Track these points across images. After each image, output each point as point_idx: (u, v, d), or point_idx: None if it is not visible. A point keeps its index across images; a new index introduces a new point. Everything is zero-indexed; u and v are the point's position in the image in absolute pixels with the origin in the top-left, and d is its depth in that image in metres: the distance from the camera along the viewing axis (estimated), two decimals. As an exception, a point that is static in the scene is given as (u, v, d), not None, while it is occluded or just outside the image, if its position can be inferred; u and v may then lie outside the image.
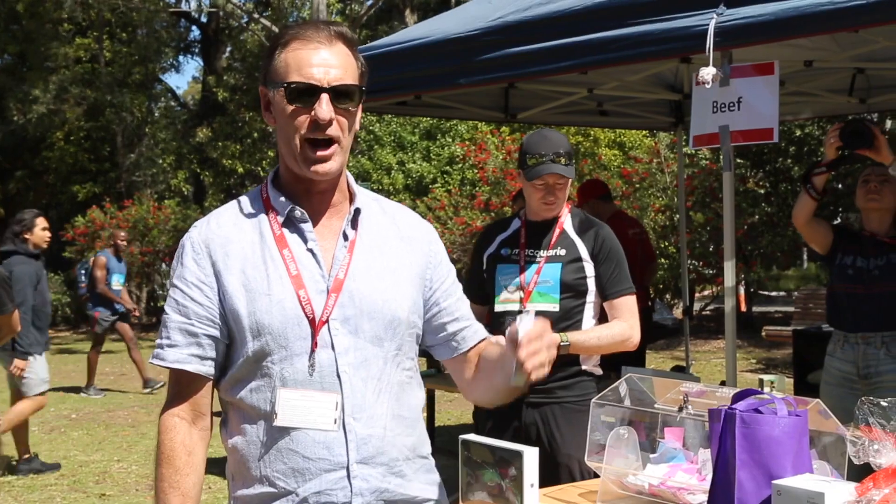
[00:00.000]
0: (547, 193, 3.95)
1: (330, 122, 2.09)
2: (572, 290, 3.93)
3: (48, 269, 24.16)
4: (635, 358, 7.64)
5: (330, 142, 2.11)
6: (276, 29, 20.62)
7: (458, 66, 5.43)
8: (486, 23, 5.30)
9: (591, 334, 3.90)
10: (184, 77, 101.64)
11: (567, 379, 3.94)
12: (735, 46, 4.30)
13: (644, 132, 17.97)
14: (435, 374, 7.00)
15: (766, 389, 3.81)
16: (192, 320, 2.17)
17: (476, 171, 18.59)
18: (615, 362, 3.99)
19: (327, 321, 2.12)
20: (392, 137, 22.12)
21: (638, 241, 7.96)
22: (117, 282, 12.58)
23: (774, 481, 2.30)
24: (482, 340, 2.37)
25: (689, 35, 4.34)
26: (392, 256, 2.23)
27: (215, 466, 8.35)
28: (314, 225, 2.19)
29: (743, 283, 16.40)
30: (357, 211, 2.22)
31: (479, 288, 4.15)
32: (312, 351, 2.11)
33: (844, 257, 4.82)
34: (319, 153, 2.11)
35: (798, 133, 14.83)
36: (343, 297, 2.13)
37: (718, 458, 2.41)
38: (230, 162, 25.39)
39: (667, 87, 7.82)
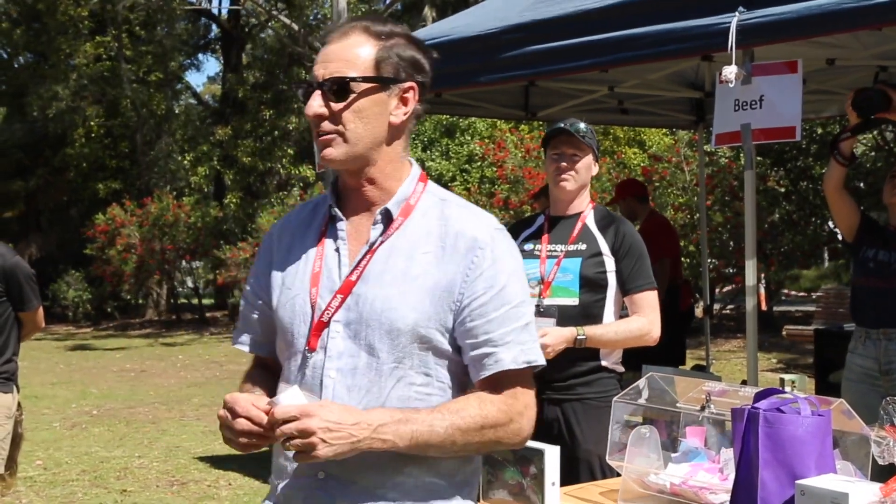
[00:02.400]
0: (560, 161, 4.00)
1: (320, 118, 2.07)
2: (592, 285, 3.93)
3: (69, 265, 24.38)
4: (676, 356, 7.68)
5: (328, 134, 2.09)
6: (295, 27, 20.66)
7: (478, 64, 5.43)
8: (507, 21, 5.29)
9: (608, 329, 3.91)
10: (202, 75, 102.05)
11: (587, 375, 3.94)
12: (757, 45, 4.28)
13: (664, 131, 17.93)
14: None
15: (788, 389, 3.80)
16: (249, 305, 2.26)
17: (495, 169, 18.58)
18: (653, 358, 3.99)
19: (328, 322, 2.06)
20: (412, 135, 22.13)
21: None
22: None
23: (798, 481, 2.29)
24: (491, 377, 2.06)
25: (711, 33, 4.32)
26: (419, 264, 2.07)
27: (235, 463, 8.37)
28: (350, 224, 2.14)
29: (763, 282, 16.33)
30: (386, 212, 2.11)
31: None
32: (308, 351, 2.08)
33: (868, 250, 4.80)
34: (320, 139, 2.09)
35: (820, 131, 14.76)
36: (350, 299, 2.06)
37: (741, 458, 2.40)
38: (250, 159, 25.47)
39: (688, 85, 7.80)
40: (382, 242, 2.10)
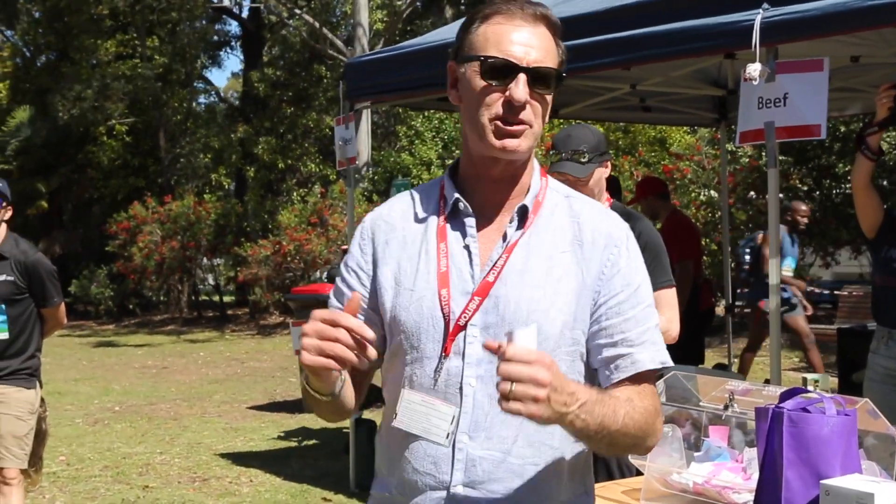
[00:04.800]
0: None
1: (524, 105, 1.91)
2: None
3: (91, 263, 24.49)
4: (695, 355, 7.65)
5: (522, 125, 1.94)
6: (317, 24, 20.69)
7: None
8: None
9: None
10: (224, 73, 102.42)
11: None
12: (781, 42, 4.27)
13: (684, 129, 17.87)
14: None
15: (811, 388, 3.78)
16: (342, 306, 2.02)
17: (516, 167, 18.57)
18: (672, 357, 3.96)
19: (465, 326, 1.93)
20: (433, 133, 22.13)
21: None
22: (788, 267, 9.75)
23: (822, 481, 2.28)
24: (629, 378, 1.97)
25: (734, 31, 4.31)
26: (559, 263, 1.97)
27: (257, 460, 8.40)
28: (480, 219, 2.01)
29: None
30: (524, 209, 2.00)
31: None
32: (443, 356, 1.93)
33: (890, 250, 4.75)
34: (510, 129, 1.92)
35: (843, 129, 14.66)
36: (488, 302, 1.93)
37: (765, 458, 2.39)
38: (271, 157, 25.54)
39: (710, 83, 7.77)
40: (518, 240, 1.99)
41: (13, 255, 5.32)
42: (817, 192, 15.44)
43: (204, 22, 29.13)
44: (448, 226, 2.01)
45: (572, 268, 1.97)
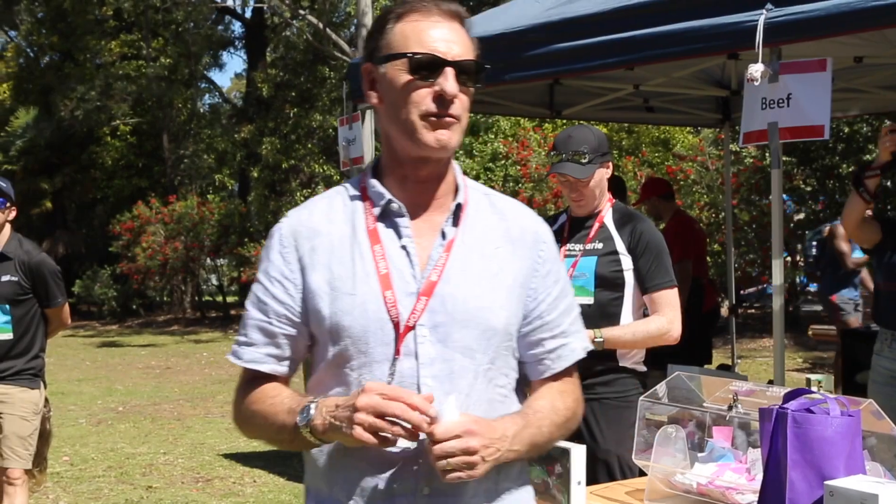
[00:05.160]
0: (570, 190, 4.00)
1: (453, 99, 1.92)
2: (608, 284, 3.90)
3: (95, 263, 24.51)
4: (701, 356, 7.64)
5: (451, 118, 1.94)
6: (321, 25, 20.70)
7: (504, 62, 5.42)
8: (534, 19, 5.28)
9: (626, 329, 3.88)
10: (227, 73, 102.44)
11: (606, 375, 3.91)
12: (784, 42, 4.25)
13: (688, 129, 17.85)
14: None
15: (815, 389, 3.78)
16: (270, 318, 2.01)
17: (519, 167, 18.56)
18: (678, 358, 3.97)
19: (414, 327, 1.92)
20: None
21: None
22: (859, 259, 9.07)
23: (827, 482, 2.27)
24: (565, 373, 2.09)
25: (738, 31, 4.30)
26: (495, 259, 2.01)
27: (260, 460, 8.38)
28: (412, 219, 2.00)
29: (789, 281, 16.23)
30: (459, 206, 2.02)
31: None
32: (394, 359, 1.92)
33: (893, 255, 4.73)
34: (441, 121, 1.93)
35: (846, 130, 14.65)
36: (434, 301, 1.94)
37: (769, 458, 2.39)
38: (275, 157, 25.56)
39: (714, 84, 7.76)
40: (455, 238, 2.00)
41: (17, 256, 5.33)
42: (821, 194, 15.42)
43: (208, 22, 29.16)
44: (380, 226, 2.00)
45: (507, 264, 2.01)
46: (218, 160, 28.26)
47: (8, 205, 5.37)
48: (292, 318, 2.00)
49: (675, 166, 16.57)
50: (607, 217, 4.04)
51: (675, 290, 3.96)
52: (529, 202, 17.08)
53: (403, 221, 1.99)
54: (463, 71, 1.94)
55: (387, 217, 2.00)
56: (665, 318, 3.91)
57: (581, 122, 7.90)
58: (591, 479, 3.49)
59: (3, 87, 28.79)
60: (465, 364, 1.94)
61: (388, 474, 1.92)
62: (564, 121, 8.56)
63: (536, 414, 1.98)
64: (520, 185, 18.49)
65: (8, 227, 5.39)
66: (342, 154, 7.11)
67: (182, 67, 27.62)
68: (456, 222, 2.01)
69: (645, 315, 3.99)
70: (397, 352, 1.92)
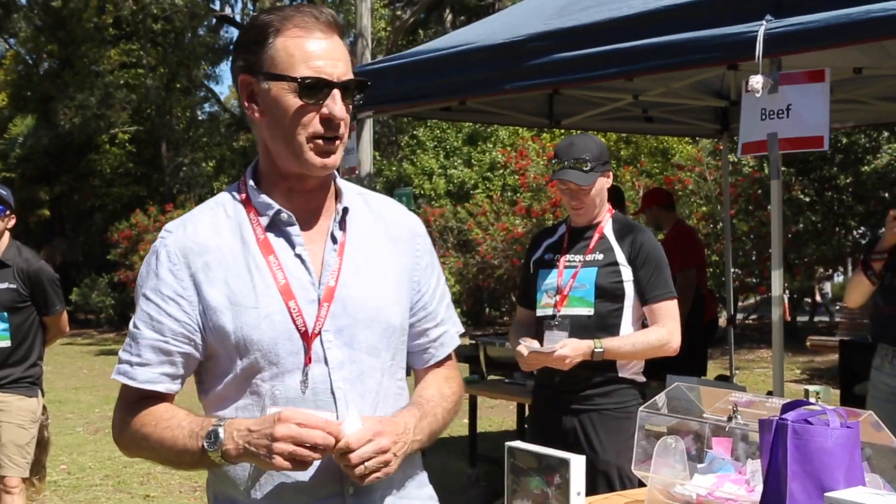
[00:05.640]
0: (571, 198, 4.00)
1: (341, 121, 1.95)
2: (608, 295, 3.91)
3: (93, 271, 24.47)
4: (698, 365, 7.63)
5: (335, 139, 1.97)
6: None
7: (503, 72, 5.42)
8: (533, 29, 5.29)
9: (626, 340, 3.88)
10: (225, 82, 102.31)
11: (605, 386, 3.92)
12: (784, 53, 4.26)
13: (686, 140, 17.88)
14: (477, 380, 6.98)
15: (812, 400, 3.77)
16: (166, 337, 1.98)
17: (517, 177, 18.58)
18: (675, 369, 3.98)
19: (320, 333, 1.97)
20: (435, 142, 22.15)
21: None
22: None
23: (827, 493, 2.27)
24: (447, 359, 2.23)
25: (738, 42, 4.30)
26: (381, 258, 2.08)
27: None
28: (301, 228, 2.02)
29: (787, 292, 16.24)
30: (345, 210, 2.06)
31: (527, 293, 4.17)
32: (305, 366, 1.95)
33: (894, 279, 4.71)
34: (329, 146, 1.96)
35: (844, 141, 14.68)
36: (335, 306, 1.98)
37: (769, 469, 2.38)
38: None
39: (713, 94, 7.78)
40: (344, 241, 2.05)
41: (16, 263, 5.33)
42: (819, 205, 15.44)
43: (206, 30, 29.19)
44: (270, 236, 2.01)
45: (392, 261, 2.10)
46: (216, 168, 28.28)
47: (7, 212, 5.37)
48: (190, 336, 1.99)
49: (673, 176, 16.59)
50: (607, 228, 4.04)
51: (675, 301, 3.97)
52: (528, 211, 17.11)
53: (294, 230, 2.01)
54: (346, 90, 1.96)
55: (275, 227, 2.02)
56: (665, 329, 3.91)
57: (581, 131, 7.91)
58: (591, 489, 3.48)
59: (2, 95, 28.80)
60: (373, 363, 2.02)
61: (310, 482, 1.95)
62: (563, 130, 8.58)
63: (429, 403, 2.08)
64: (518, 194, 18.52)
65: (7, 234, 5.39)
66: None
67: (181, 76, 27.64)
68: (343, 226, 2.06)
69: (644, 326, 3.99)
70: (308, 360, 1.96)
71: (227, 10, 29.33)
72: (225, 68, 34.31)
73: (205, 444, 1.89)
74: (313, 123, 1.94)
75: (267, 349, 1.94)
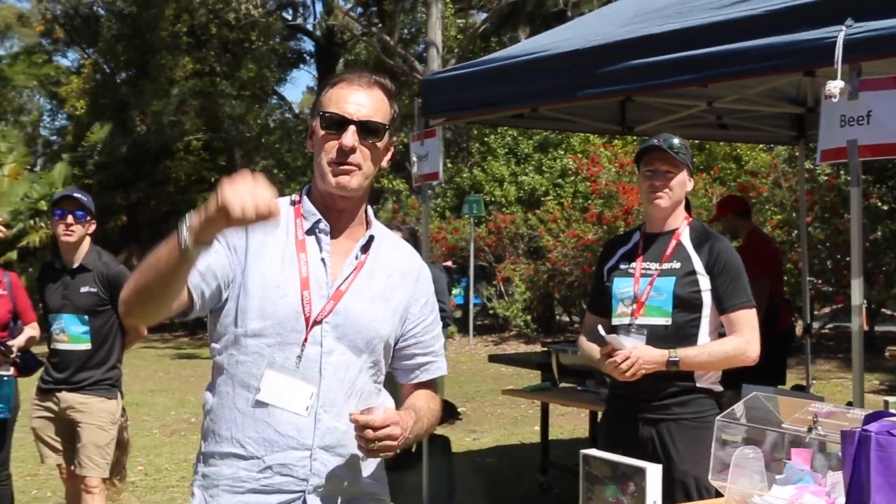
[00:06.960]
0: (654, 179, 3.98)
1: (352, 150, 2.39)
2: (686, 304, 3.87)
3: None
4: (775, 376, 7.53)
5: (351, 165, 2.40)
6: (391, 42, 20.88)
7: (576, 79, 5.42)
8: (607, 37, 5.28)
9: (702, 350, 3.84)
10: (298, 88, 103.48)
11: (682, 395, 3.88)
12: (864, 59, 4.19)
13: (760, 147, 17.64)
14: (549, 387, 6.95)
15: (894, 411, 3.70)
16: (209, 260, 2.36)
17: (588, 184, 18.49)
18: (751, 378, 3.93)
19: (321, 322, 2.43)
20: (505, 150, 22.14)
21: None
22: None
23: (910, 507, 2.24)
24: (431, 381, 2.69)
25: (814, 48, 4.24)
26: (388, 286, 2.55)
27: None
28: (332, 239, 2.50)
29: (865, 301, 15.92)
30: (371, 238, 2.54)
31: (599, 300, 4.15)
32: (303, 344, 2.41)
33: None
34: (342, 168, 2.41)
35: (925, 147, 14.35)
36: (339, 306, 2.45)
37: (852, 482, 2.35)
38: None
39: (789, 101, 7.67)
40: (364, 262, 2.52)
41: (96, 267, 5.45)
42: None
43: (279, 39, 29.52)
44: (307, 238, 2.49)
45: (395, 290, 2.57)
46: (288, 175, 28.57)
47: (88, 218, 5.49)
48: (214, 274, 2.38)
49: (746, 183, 16.38)
50: (684, 235, 4.01)
51: (754, 310, 3.92)
52: (599, 218, 17.01)
53: (326, 239, 2.50)
54: (365, 129, 2.42)
55: (313, 233, 2.50)
56: (742, 338, 3.86)
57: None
58: (668, 499, 3.46)
59: (81, 103, 29.41)
60: (353, 359, 2.48)
61: (288, 431, 2.41)
62: (635, 138, 8.53)
63: (420, 411, 2.53)
64: (589, 201, 18.42)
65: (88, 240, 5.51)
66: (415, 170, 7.12)
67: (253, 84, 27.98)
68: (365, 250, 2.54)
69: (721, 336, 3.95)
70: (306, 339, 2.42)
71: (299, 19, 29.67)
72: (296, 75, 34.65)
73: (176, 228, 2.20)
74: (331, 151, 2.42)
75: (278, 321, 2.41)
